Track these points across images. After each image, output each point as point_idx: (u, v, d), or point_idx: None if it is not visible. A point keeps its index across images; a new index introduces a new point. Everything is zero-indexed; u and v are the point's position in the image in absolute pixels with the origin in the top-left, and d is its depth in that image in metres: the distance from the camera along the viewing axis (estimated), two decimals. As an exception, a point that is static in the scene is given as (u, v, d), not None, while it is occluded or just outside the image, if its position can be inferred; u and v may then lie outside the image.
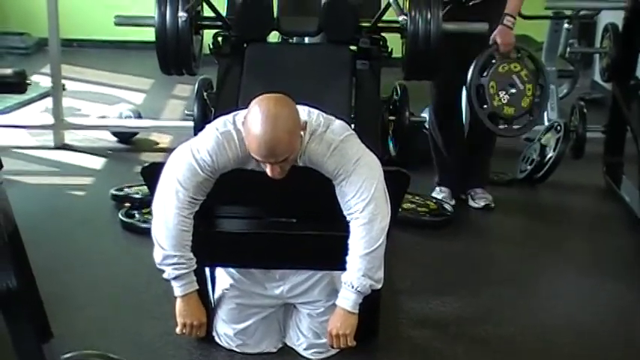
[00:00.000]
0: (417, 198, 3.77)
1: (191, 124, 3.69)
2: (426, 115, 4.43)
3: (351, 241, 2.29)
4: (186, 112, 4.38)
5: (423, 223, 3.61)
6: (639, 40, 4.04)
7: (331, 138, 2.27)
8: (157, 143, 4.74)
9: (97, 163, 4.40)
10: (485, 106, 3.42)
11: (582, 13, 5.19)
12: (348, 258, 2.30)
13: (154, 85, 6.02)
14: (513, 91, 3.41)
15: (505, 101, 3.40)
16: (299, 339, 2.55)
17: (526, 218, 3.78)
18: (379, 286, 2.34)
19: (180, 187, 2.26)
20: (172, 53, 3.25)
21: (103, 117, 4.95)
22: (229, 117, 2.32)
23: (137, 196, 3.63)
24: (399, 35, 3.33)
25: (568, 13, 5.05)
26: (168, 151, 2.38)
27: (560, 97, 5.08)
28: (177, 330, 2.44)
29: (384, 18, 3.33)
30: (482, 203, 3.75)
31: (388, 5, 3.30)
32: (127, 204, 3.63)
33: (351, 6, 3.32)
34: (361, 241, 2.26)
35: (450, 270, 3.26)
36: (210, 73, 3.60)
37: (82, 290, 2.96)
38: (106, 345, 2.37)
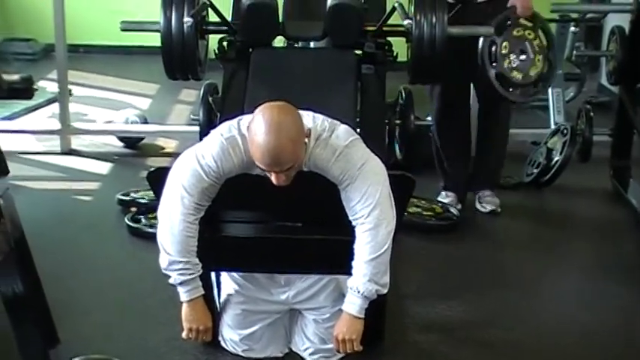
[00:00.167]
0: (423, 202, 3.76)
1: (197, 128, 3.70)
2: (430, 118, 4.43)
3: (356, 247, 2.29)
4: (192, 116, 4.39)
5: (428, 227, 3.61)
6: (646, 43, 4.03)
7: (336, 143, 2.26)
8: (163, 148, 4.74)
9: (104, 168, 4.41)
10: (494, 64, 3.39)
11: (589, 16, 5.18)
12: (353, 263, 2.30)
13: (159, 90, 6.03)
14: (524, 57, 3.38)
15: (514, 65, 3.37)
16: (304, 344, 2.54)
17: (532, 222, 3.77)
18: (385, 290, 2.33)
19: (185, 193, 2.26)
20: (178, 58, 3.26)
21: (110, 122, 4.95)
22: (234, 122, 2.32)
23: (143, 200, 3.64)
24: (404, 39, 3.33)
25: (574, 16, 5.04)
26: (175, 155, 2.38)
27: (566, 101, 5.07)
28: (183, 335, 2.44)
29: (389, 22, 3.33)
30: (489, 208, 3.74)
31: (393, 9, 3.29)
32: (134, 209, 3.63)
33: (356, 10, 3.32)
34: (367, 246, 2.26)
35: (456, 274, 3.25)
36: (216, 77, 3.61)
37: (88, 295, 2.97)
38: (112, 350, 2.38)
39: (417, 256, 3.33)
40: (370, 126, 3.13)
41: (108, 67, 6.63)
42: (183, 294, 2.37)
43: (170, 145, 4.74)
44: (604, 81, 5.38)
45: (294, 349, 2.58)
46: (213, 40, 3.49)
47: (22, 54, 6.71)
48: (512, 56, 3.36)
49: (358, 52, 3.34)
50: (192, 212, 2.28)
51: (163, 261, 2.34)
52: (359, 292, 2.30)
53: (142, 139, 4.77)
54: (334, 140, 2.27)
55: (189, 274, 2.33)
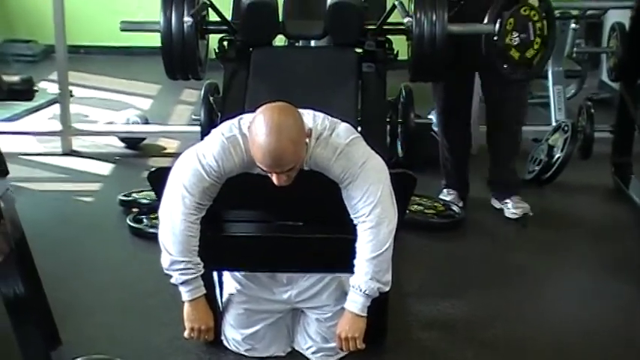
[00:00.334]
0: (425, 200, 3.76)
1: (198, 128, 3.69)
2: (432, 116, 4.43)
3: (358, 245, 2.29)
4: (193, 116, 4.39)
5: (430, 225, 3.60)
6: (646, 40, 4.03)
7: (337, 142, 2.26)
8: (165, 148, 4.74)
9: (105, 168, 4.41)
10: (495, 38, 3.37)
11: (589, 12, 5.17)
12: (355, 261, 2.30)
13: (161, 91, 6.03)
14: (524, 36, 3.37)
15: (515, 43, 3.37)
16: (307, 343, 2.54)
17: (534, 219, 3.76)
18: (387, 288, 2.34)
19: (186, 192, 2.26)
20: (178, 58, 3.26)
21: (111, 123, 4.95)
22: (235, 121, 2.32)
23: (145, 201, 3.64)
24: (404, 37, 3.33)
25: (575, 12, 5.03)
26: (176, 156, 2.38)
27: (567, 98, 5.06)
28: (186, 334, 2.44)
29: (390, 20, 3.33)
30: (519, 212, 3.63)
31: (393, 7, 3.30)
32: (135, 209, 3.63)
33: (356, 9, 3.32)
34: (368, 244, 2.26)
35: (459, 272, 3.25)
36: (217, 77, 3.61)
37: (90, 296, 2.97)
38: (115, 351, 2.38)
39: (420, 254, 3.33)
40: (371, 124, 3.13)
41: (108, 68, 6.63)
42: (185, 294, 2.37)
43: (171, 145, 4.74)
44: (605, 77, 5.38)
45: (296, 348, 2.58)
46: (214, 39, 3.49)
47: (22, 55, 6.71)
48: (515, 34, 3.36)
49: (359, 50, 3.34)
50: (193, 212, 2.28)
51: (165, 261, 2.34)
52: (361, 290, 2.30)
53: (144, 139, 4.77)
54: (335, 139, 2.27)
55: (191, 274, 2.34)
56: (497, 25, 3.34)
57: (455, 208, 3.73)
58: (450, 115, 3.72)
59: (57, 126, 4.68)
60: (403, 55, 3.38)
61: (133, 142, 4.72)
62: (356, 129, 2.44)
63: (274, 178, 2.19)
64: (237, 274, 2.53)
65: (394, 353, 2.59)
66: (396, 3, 3.30)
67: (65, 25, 4.54)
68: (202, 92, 3.78)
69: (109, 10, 6.44)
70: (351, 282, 2.32)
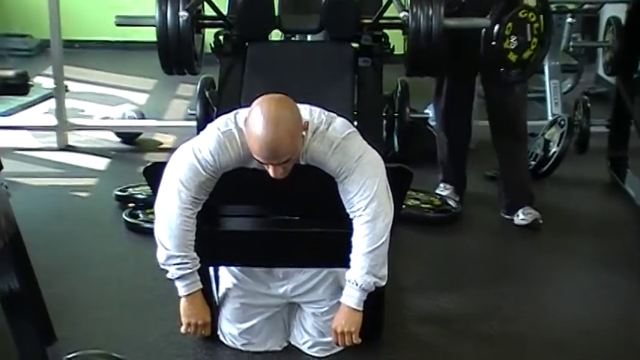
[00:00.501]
0: (421, 194, 3.76)
1: (194, 123, 3.69)
2: (429, 111, 4.43)
3: (354, 239, 2.29)
4: (189, 111, 4.39)
5: (427, 220, 3.61)
6: (642, 34, 4.03)
7: (333, 136, 2.26)
8: (161, 143, 4.73)
9: (101, 163, 4.40)
10: (494, 43, 3.36)
11: (585, 7, 5.17)
12: (351, 256, 2.30)
13: (157, 86, 6.02)
14: (522, 39, 3.37)
15: (512, 47, 3.36)
16: (303, 337, 2.54)
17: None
18: (383, 283, 2.34)
19: (182, 187, 2.26)
20: (174, 52, 3.25)
21: (107, 118, 4.94)
22: (230, 116, 2.32)
23: (141, 196, 3.63)
24: (400, 32, 3.32)
25: (571, 7, 5.03)
26: (172, 151, 2.38)
27: (564, 92, 5.07)
28: (182, 329, 2.44)
29: (386, 14, 3.32)
30: (530, 219, 3.55)
31: (389, 2, 3.29)
32: (131, 204, 3.63)
33: (352, 3, 3.32)
34: (364, 238, 2.26)
35: (455, 266, 3.25)
36: (213, 72, 3.60)
37: (87, 291, 2.97)
38: (111, 346, 2.38)
39: (416, 249, 3.33)
40: (367, 119, 3.13)
41: (104, 63, 6.62)
42: (182, 288, 2.37)
43: (168, 140, 4.73)
44: (601, 72, 5.39)
45: (293, 342, 2.58)
46: (210, 34, 3.48)
47: (17, 50, 6.69)
48: (513, 38, 3.35)
49: (355, 45, 3.33)
50: (189, 206, 2.28)
51: (161, 255, 2.33)
52: (357, 284, 2.30)
53: (140, 134, 4.77)
54: (331, 133, 2.27)
55: (187, 269, 2.33)
56: (496, 29, 3.32)
57: (451, 202, 3.73)
58: (452, 112, 3.69)
59: (52, 121, 4.67)
60: (399, 50, 3.38)
61: (128, 136, 4.72)
62: (352, 123, 2.44)
63: (270, 171, 2.19)
64: (233, 268, 2.53)
65: (391, 347, 2.59)
66: (393, -3, 3.29)
67: (60, 20, 4.53)
68: (198, 87, 3.78)
69: (105, 5, 6.43)
70: (347, 276, 2.32)
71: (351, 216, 2.28)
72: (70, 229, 3.53)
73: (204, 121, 3.39)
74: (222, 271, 2.57)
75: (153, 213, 2.40)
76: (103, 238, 3.47)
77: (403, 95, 3.78)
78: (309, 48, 3.60)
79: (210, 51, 3.44)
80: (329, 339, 2.45)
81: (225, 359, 2.53)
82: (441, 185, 3.82)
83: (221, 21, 3.40)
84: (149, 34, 3.34)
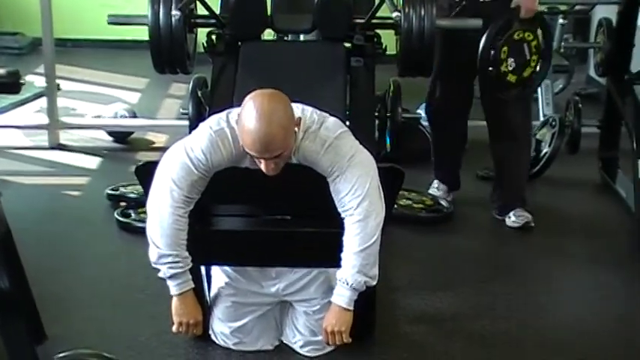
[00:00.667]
0: (413, 194, 3.77)
1: (187, 123, 3.68)
2: (421, 111, 4.43)
3: (345, 238, 2.29)
4: (181, 111, 4.38)
5: (419, 220, 3.61)
6: (633, 35, 4.04)
7: (325, 135, 2.27)
8: (153, 142, 4.73)
9: (93, 162, 4.39)
10: (491, 69, 3.34)
11: (577, 8, 5.19)
12: (342, 255, 2.30)
13: (149, 85, 6.01)
14: (520, 59, 3.34)
15: (510, 69, 3.34)
16: (295, 336, 2.55)
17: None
18: (374, 282, 2.34)
19: (174, 186, 2.26)
20: (166, 52, 3.25)
21: (99, 117, 4.93)
22: (223, 115, 2.32)
23: (133, 195, 3.62)
24: (393, 32, 3.33)
25: (563, 8, 5.05)
26: (164, 150, 2.38)
27: (555, 93, 5.08)
28: (174, 329, 2.44)
29: (378, 15, 3.32)
30: (521, 221, 3.54)
31: (382, 2, 3.29)
32: (123, 203, 3.62)
33: (344, 3, 3.32)
34: (356, 237, 2.27)
35: (447, 266, 3.26)
36: (205, 71, 3.60)
37: (78, 290, 2.96)
38: (102, 345, 2.37)
39: (408, 249, 3.33)
40: (359, 118, 3.13)
41: (96, 62, 6.60)
42: (173, 287, 2.37)
43: (160, 139, 4.73)
44: (592, 73, 5.40)
45: (284, 341, 2.58)
46: (202, 33, 3.48)
47: (8, 48, 6.66)
48: (510, 60, 3.33)
49: (347, 44, 3.33)
50: (181, 205, 2.28)
51: (153, 254, 2.33)
52: (348, 283, 2.30)
53: (132, 133, 4.76)
54: (323, 132, 2.27)
55: (179, 268, 2.33)
56: (492, 55, 3.31)
57: (443, 202, 3.74)
58: (449, 114, 3.65)
59: (44, 119, 4.65)
60: (392, 50, 3.38)
61: (120, 135, 4.71)
62: (344, 123, 2.45)
63: (263, 166, 2.19)
64: (226, 267, 2.53)
65: (382, 347, 2.59)
66: (385, -3, 3.30)
67: (52, 18, 4.52)
68: (190, 86, 3.77)
69: (97, 3, 6.40)
70: (338, 275, 2.33)
71: (342, 215, 2.28)
72: (61, 228, 3.52)
73: (196, 120, 3.38)
74: (215, 270, 2.57)
75: (144, 212, 2.40)
76: (95, 238, 3.47)
77: (395, 95, 3.78)
78: (302, 48, 3.60)
79: (202, 50, 3.44)
80: (320, 338, 2.45)
81: (217, 358, 2.53)
82: (435, 183, 3.82)
83: (213, 20, 3.39)
84: (141, 33, 3.34)
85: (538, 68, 3.39)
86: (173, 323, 2.43)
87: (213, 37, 3.38)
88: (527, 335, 2.72)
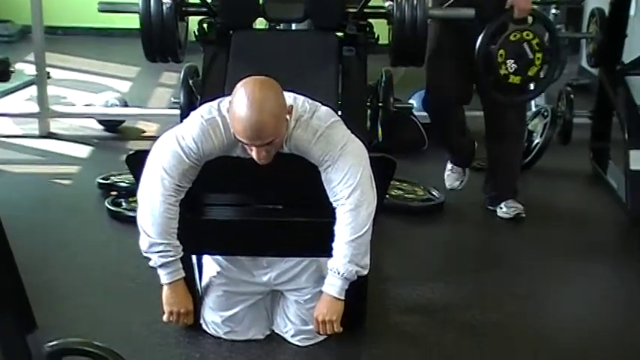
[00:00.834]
0: (405, 185, 3.77)
1: (178, 112, 3.67)
2: (413, 101, 4.43)
3: (337, 228, 2.29)
4: (172, 99, 4.36)
5: (410, 210, 3.62)
6: (625, 25, 4.05)
7: (317, 124, 2.26)
8: (144, 131, 4.71)
9: (83, 151, 4.37)
10: (490, 73, 3.30)
11: (569, -2, 5.19)
12: (334, 244, 2.30)
13: (140, 73, 5.99)
14: (522, 60, 3.29)
15: (512, 70, 3.29)
16: (286, 326, 2.55)
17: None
18: (365, 272, 2.34)
19: (165, 174, 2.25)
20: (157, 40, 3.23)
21: (89, 105, 4.91)
22: (214, 104, 2.31)
23: (124, 184, 3.62)
24: (385, 21, 3.32)
25: (555, -2, 5.05)
26: (155, 139, 2.37)
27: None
28: (164, 318, 2.44)
29: (370, 4, 3.31)
30: (512, 212, 3.55)
31: (374, -9, 3.28)
32: (114, 192, 3.62)
33: (337, -8, 3.30)
34: (347, 227, 2.26)
35: (438, 256, 3.27)
36: (196, 60, 3.58)
37: (69, 279, 2.95)
38: (93, 334, 2.34)
39: (399, 239, 3.34)
40: (351, 108, 3.12)
41: (87, 50, 6.57)
42: (164, 276, 2.37)
43: (151, 128, 4.71)
44: (584, 63, 5.40)
45: (276, 330, 2.58)
46: (193, 22, 3.46)
47: (-2, 36, 6.63)
48: (510, 62, 3.28)
49: (339, 34, 3.32)
50: (172, 194, 2.27)
51: (144, 243, 2.33)
52: (339, 273, 2.30)
53: (122, 122, 4.74)
54: (315, 121, 2.27)
55: (170, 257, 2.33)
56: (489, 60, 3.27)
57: (435, 192, 3.74)
58: (445, 109, 3.57)
59: (34, 108, 4.63)
60: (384, 40, 3.37)
61: (111, 124, 4.69)
62: (336, 112, 2.44)
63: (254, 153, 2.19)
64: (217, 256, 2.52)
65: (373, 337, 2.60)
66: (377, -14, 3.29)
67: (42, 5, 4.49)
68: (182, 75, 3.76)
69: (88, -9, 6.37)
70: (329, 265, 2.32)
71: (334, 204, 2.28)
72: (52, 216, 3.51)
73: (187, 109, 3.37)
74: (206, 259, 2.56)
75: (135, 201, 2.39)
76: (86, 226, 3.46)
77: (387, 85, 3.78)
78: (294, 37, 3.59)
79: (194, 39, 3.42)
80: (312, 327, 2.44)
81: (208, 347, 2.52)
82: (448, 166, 3.80)
83: (205, 9, 3.37)
84: (132, 22, 3.32)
85: (546, 65, 3.34)
86: (164, 312, 2.43)
87: (205, 25, 3.36)
88: (517, 325, 2.73)
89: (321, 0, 3.29)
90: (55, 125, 4.65)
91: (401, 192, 3.71)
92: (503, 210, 3.59)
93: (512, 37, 3.29)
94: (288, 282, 2.50)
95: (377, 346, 2.56)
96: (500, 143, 3.59)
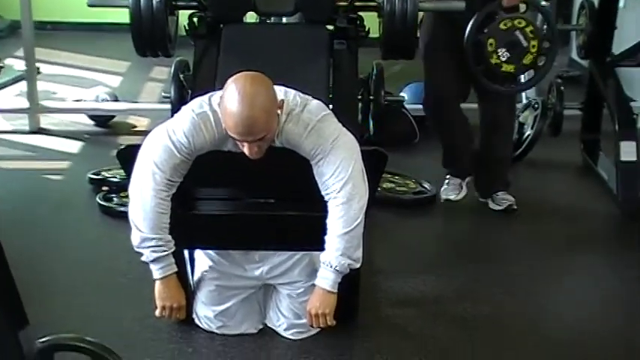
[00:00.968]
0: (397, 177, 3.77)
1: (169, 106, 3.66)
2: (404, 94, 4.43)
3: (329, 221, 2.29)
4: (163, 94, 4.35)
5: (402, 203, 3.62)
6: (615, 17, 4.05)
7: (308, 118, 2.26)
8: (135, 126, 4.70)
9: (74, 146, 4.36)
10: (481, 63, 3.26)
11: (559, -10, 5.19)
12: (326, 237, 2.30)
13: (130, 68, 5.97)
14: (515, 48, 3.23)
15: (504, 59, 3.23)
16: (279, 319, 2.55)
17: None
18: (358, 265, 2.34)
19: (156, 169, 2.25)
20: (147, 34, 3.22)
21: (79, 100, 4.89)
22: (205, 98, 2.30)
23: (115, 179, 3.61)
24: (376, 14, 3.31)
25: (545, -10, 5.04)
26: (146, 133, 2.36)
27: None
28: (157, 313, 2.43)
29: (361, -3, 3.31)
30: (504, 204, 3.56)
31: (365, -16, 3.28)
32: (105, 188, 3.61)
33: (327, -15, 3.30)
34: (339, 220, 2.27)
35: (430, 249, 3.27)
36: (187, 54, 3.57)
37: (61, 275, 2.95)
38: (85, 329, 2.35)
39: (391, 232, 3.34)
40: (342, 101, 3.11)
41: (77, 45, 6.54)
42: (156, 271, 2.36)
43: (141, 123, 4.70)
44: (574, 55, 5.40)
45: (268, 324, 2.58)
46: (184, 16, 3.45)
47: (-13, 31, 6.59)
48: (501, 51, 3.22)
49: (330, 27, 3.32)
50: (163, 188, 2.27)
51: (135, 238, 2.32)
52: (332, 266, 2.30)
53: (113, 117, 4.73)
54: (306, 115, 2.26)
55: (162, 251, 2.32)
56: (478, 49, 3.22)
57: (426, 185, 3.74)
58: (443, 108, 3.54)
59: (24, 103, 4.62)
60: (375, 33, 3.37)
61: (102, 119, 4.68)
62: (327, 106, 2.44)
63: (246, 149, 2.18)
64: (209, 251, 2.52)
65: (365, 330, 2.60)
66: (368, -21, 3.28)
67: (31, 0, 4.46)
68: (172, 69, 3.75)
69: (77, -14, 6.34)
70: (321, 258, 2.33)
71: (326, 198, 2.28)
72: (43, 212, 3.50)
73: (178, 103, 3.36)
74: (198, 253, 2.56)
75: (127, 196, 2.39)
76: (77, 222, 3.45)
77: (378, 78, 3.78)
78: (284, 30, 3.58)
79: (184, 33, 3.41)
80: (304, 321, 2.45)
81: (201, 342, 2.52)
82: (447, 178, 3.68)
83: (195, 3, 3.36)
84: (122, 16, 3.31)
85: (543, 52, 3.28)
86: (156, 307, 2.42)
87: (195, 19, 3.35)
88: (508, 317, 2.74)
89: (312, -7, 3.29)
90: (46, 121, 4.63)
91: (393, 185, 3.71)
92: (495, 202, 3.60)
93: (502, 26, 3.25)
94: (280, 276, 2.50)
95: (369, 339, 2.56)
96: (490, 136, 3.60)
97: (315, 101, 2.33)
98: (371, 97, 3.79)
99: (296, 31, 3.47)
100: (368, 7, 3.34)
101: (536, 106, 4.22)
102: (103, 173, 3.71)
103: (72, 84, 5.46)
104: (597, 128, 4.17)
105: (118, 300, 2.76)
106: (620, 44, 4.14)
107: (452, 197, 3.64)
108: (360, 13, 3.37)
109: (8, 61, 5.21)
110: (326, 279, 2.33)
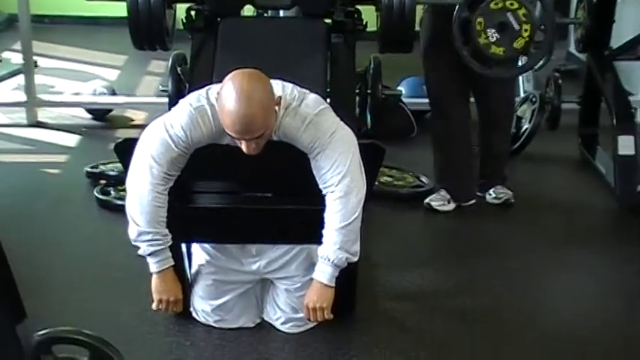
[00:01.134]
0: (395, 171, 3.77)
1: (166, 100, 3.66)
2: (402, 88, 4.43)
3: (327, 215, 2.29)
4: (161, 88, 4.34)
5: (400, 196, 3.62)
6: (613, 10, 4.05)
7: (306, 112, 2.26)
8: (132, 120, 4.70)
9: (72, 140, 4.36)
10: (468, 43, 3.17)
11: (557, -17, 5.18)
12: (324, 231, 2.30)
13: (128, 62, 5.96)
14: (505, 30, 3.13)
15: (493, 40, 3.13)
16: (276, 314, 2.55)
17: (502, 190, 3.78)
18: (355, 259, 2.34)
19: (154, 162, 2.25)
20: (145, 28, 3.21)
21: (77, 94, 4.89)
22: (202, 92, 2.30)
23: (112, 173, 3.61)
24: (373, 8, 3.31)
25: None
26: (144, 127, 2.36)
27: (535, 69, 5.08)
28: (154, 306, 2.44)
29: (359, -10, 3.30)
30: (501, 198, 3.55)
31: (362, -23, 3.27)
32: (103, 181, 3.61)
33: (324, -21, 3.29)
34: (337, 214, 2.27)
35: (428, 243, 3.28)
36: (184, 48, 3.57)
37: (58, 268, 2.95)
38: (83, 323, 2.35)
39: (389, 226, 3.34)
40: (340, 95, 3.11)
41: (74, 38, 6.53)
42: (153, 265, 2.36)
43: (139, 116, 4.70)
44: (572, 49, 5.40)
45: (266, 318, 2.58)
46: (181, 9, 3.44)
47: (-16, 25, 6.57)
48: (490, 31, 3.12)
49: (328, 21, 3.31)
50: (160, 182, 2.27)
51: (132, 232, 2.32)
52: (329, 260, 2.30)
53: (110, 110, 4.72)
54: (304, 109, 2.26)
55: (159, 245, 2.32)
56: (466, 28, 3.13)
57: (424, 179, 3.74)
58: (445, 102, 3.50)
59: (22, 97, 4.61)
60: (372, 26, 3.36)
61: (99, 113, 4.67)
62: (325, 100, 2.44)
63: (243, 146, 2.18)
64: (206, 245, 2.52)
65: (363, 324, 2.61)
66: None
67: (29, -6, 4.45)
68: (170, 63, 3.74)
69: (75, -21, 6.32)
70: (319, 252, 2.33)
71: (323, 192, 2.28)
72: (40, 206, 3.50)
73: (176, 97, 3.35)
74: (195, 247, 2.56)
75: (124, 190, 2.39)
76: (74, 216, 3.45)
77: (376, 72, 3.78)
78: (282, 24, 3.57)
79: (182, 27, 3.41)
80: (302, 315, 2.45)
81: (198, 336, 2.53)
82: (437, 190, 3.54)
83: (192, -4, 3.36)
84: (120, 10, 3.30)
85: (535, 38, 3.19)
86: (153, 301, 2.42)
87: (193, 13, 3.35)
88: (506, 311, 2.74)
89: (309, -14, 3.28)
90: (43, 114, 4.63)
91: (390, 179, 3.71)
92: (493, 196, 3.60)
93: (492, 6, 3.14)
94: (277, 270, 2.50)
95: (367, 333, 2.57)
96: (488, 130, 3.60)
97: (313, 95, 2.33)
98: (368, 91, 3.79)
99: (293, 24, 3.46)
100: (365, 0, 3.33)
101: (533, 99, 4.21)
102: (100, 167, 3.71)
103: (69, 77, 5.45)
104: (595, 122, 4.17)
105: (116, 294, 2.76)
106: (619, 38, 4.13)
107: (434, 204, 3.49)
108: (358, 7, 3.36)
109: (6, 55, 5.21)
110: (324, 273, 2.33)
